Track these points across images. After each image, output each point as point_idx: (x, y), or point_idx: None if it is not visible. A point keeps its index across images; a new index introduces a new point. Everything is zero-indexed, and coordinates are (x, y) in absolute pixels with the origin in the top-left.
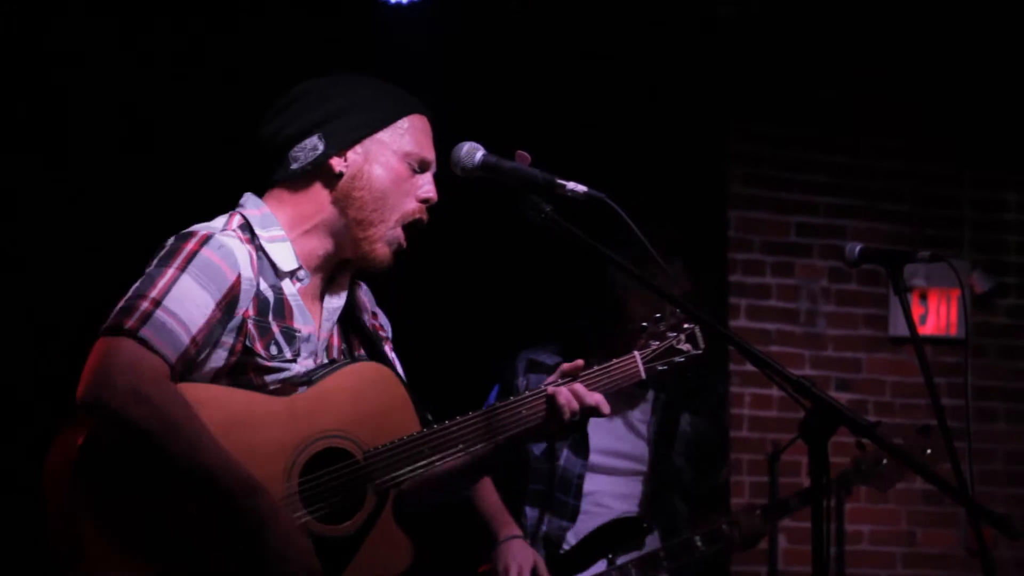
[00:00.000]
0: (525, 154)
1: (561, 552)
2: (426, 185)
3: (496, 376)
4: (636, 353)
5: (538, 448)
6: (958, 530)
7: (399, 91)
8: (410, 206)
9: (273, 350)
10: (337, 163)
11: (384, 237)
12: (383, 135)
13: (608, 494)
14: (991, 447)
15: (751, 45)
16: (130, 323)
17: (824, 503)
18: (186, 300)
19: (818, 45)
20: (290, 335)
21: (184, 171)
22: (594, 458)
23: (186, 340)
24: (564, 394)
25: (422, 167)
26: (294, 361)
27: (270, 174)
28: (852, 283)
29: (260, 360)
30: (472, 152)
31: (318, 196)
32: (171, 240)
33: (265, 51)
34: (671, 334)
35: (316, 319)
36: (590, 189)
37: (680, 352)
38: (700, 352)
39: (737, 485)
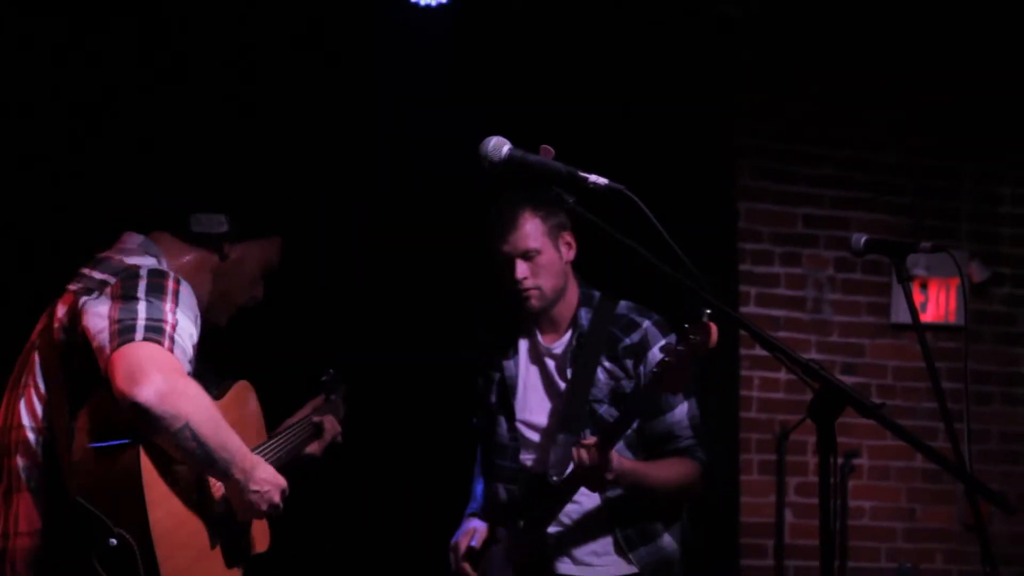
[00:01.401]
0: (549, 148)
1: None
2: (260, 288)
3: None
4: (321, 396)
5: (503, 428)
6: (955, 506)
7: (290, 206)
8: (255, 295)
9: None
10: (230, 248)
11: (229, 311)
12: (264, 243)
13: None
14: (987, 428)
15: (758, 44)
16: (165, 343)
17: (831, 480)
18: (187, 332)
19: (822, 44)
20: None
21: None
22: (521, 419)
23: (188, 366)
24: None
25: (268, 274)
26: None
27: (158, 217)
28: (856, 272)
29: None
30: (499, 147)
31: (203, 260)
32: (144, 271)
33: (296, 56)
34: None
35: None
36: (611, 182)
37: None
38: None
39: (747, 463)
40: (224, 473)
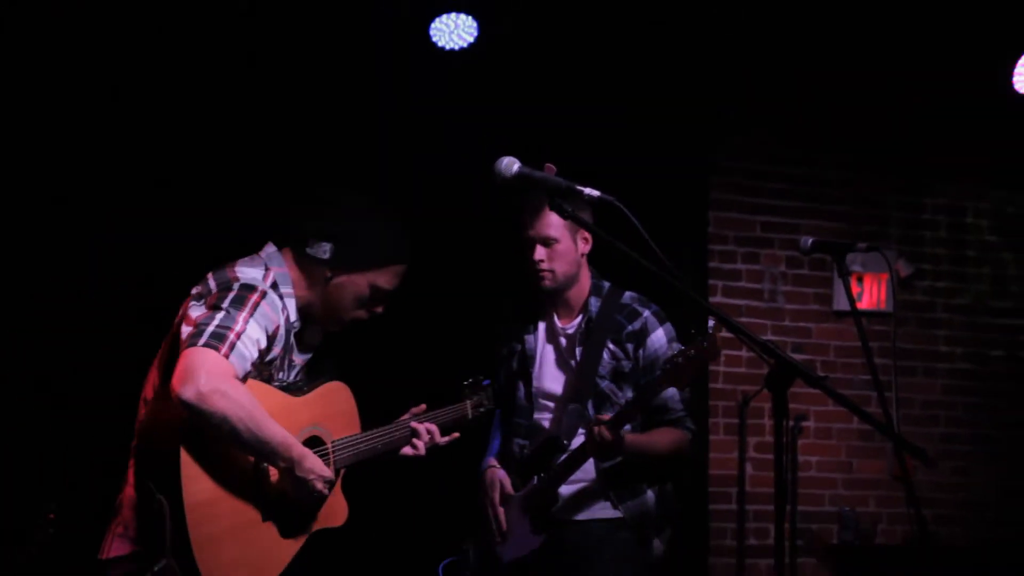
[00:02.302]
0: (552, 166)
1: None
2: (379, 307)
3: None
4: (467, 402)
5: (521, 392)
6: (885, 460)
7: (399, 238)
8: (359, 315)
9: (282, 376)
10: (332, 273)
11: (339, 323)
12: (369, 273)
13: (548, 416)
14: (911, 396)
15: (724, 83)
16: (223, 349)
17: (783, 439)
18: (252, 340)
19: (774, 87)
20: (291, 365)
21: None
22: (537, 386)
23: (249, 367)
24: (420, 427)
25: (381, 295)
26: (287, 379)
27: (289, 229)
28: (804, 268)
29: (276, 375)
30: (510, 165)
31: (313, 277)
32: (237, 285)
33: (335, 93)
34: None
35: (302, 360)
36: (602, 194)
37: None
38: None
39: (714, 425)
40: (270, 460)
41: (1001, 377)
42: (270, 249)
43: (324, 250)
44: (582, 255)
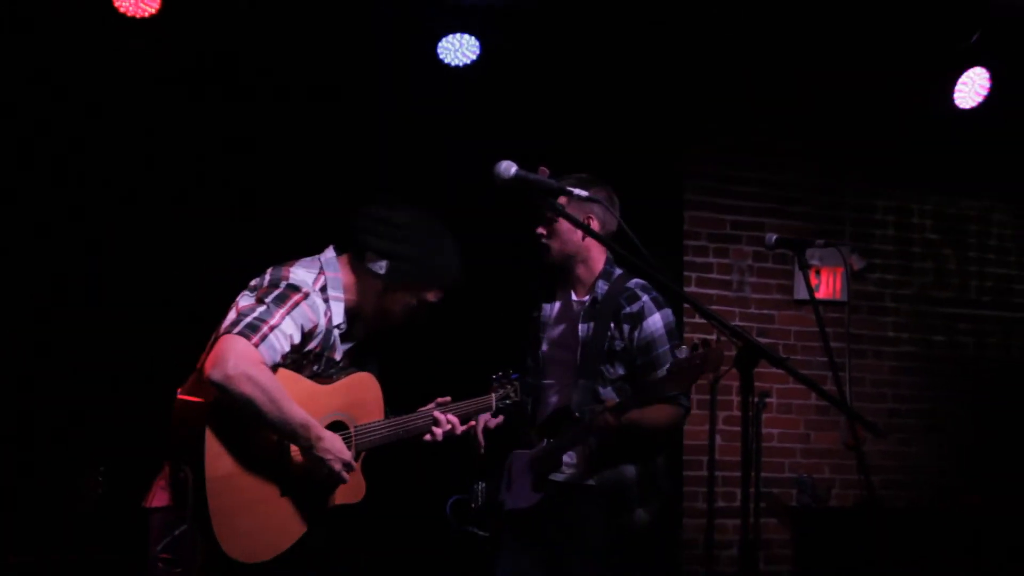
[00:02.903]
0: (545, 169)
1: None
2: (421, 314)
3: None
4: (492, 395)
5: (534, 355)
6: (838, 432)
7: (452, 261)
8: (401, 322)
9: (316, 368)
10: (384, 286)
11: (383, 328)
12: (420, 291)
13: (555, 388)
14: (862, 376)
15: (696, 98)
16: (255, 339)
17: (749, 413)
18: (284, 335)
19: (737, 99)
20: (331, 361)
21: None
22: (545, 351)
23: (279, 358)
24: (441, 416)
25: (429, 306)
26: (321, 371)
27: (350, 239)
28: (768, 262)
29: (309, 368)
30: (508, 168)
31: (366, 285)
32: (284, 284)
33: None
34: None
35: (342, 351)
36: (589, 194)
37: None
38: (518, 400)
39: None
40: (292, 439)
41: (941, 360)
42: (329, 254)
43: (381, 267)
44: (584, 238)
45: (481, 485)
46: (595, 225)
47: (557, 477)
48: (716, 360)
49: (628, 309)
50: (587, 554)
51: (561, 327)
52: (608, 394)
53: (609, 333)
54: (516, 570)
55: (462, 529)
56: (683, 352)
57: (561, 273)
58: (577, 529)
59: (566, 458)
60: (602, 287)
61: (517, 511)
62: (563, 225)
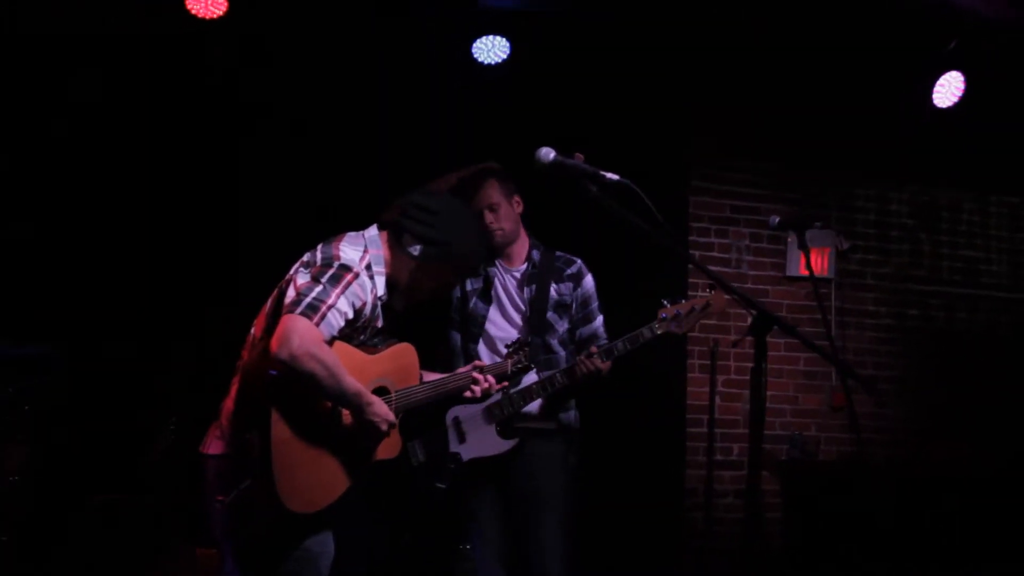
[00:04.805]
0: (580, 155)
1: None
2: (447, 291)
3: None
4: (508, 360)
5: (478, 305)
6: (823, 395)
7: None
8: (428, 297)
9: (363, 337)
10: (417, 264)
11: (414, 300)
12: (446, 272)
13: (501, 338)
14: (845, 344)
15: (701, 100)
16: (315, 319)
17: (761, 378)
18: (340, 313)
19: (740, 96)
20: (375, 329)
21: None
22: (493, 307)
23: (335, 332)
24: (480, 376)
25: (451, 284)
26: (367, 339)
27: (392, 221)
28: (764, 243)
29: (357, 337)
30: (547, 153)
31: (401, 263)
32: (336, 264)
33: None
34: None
35: (384, 319)
36: (620, 178)
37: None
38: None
39: (691, 366)
40: (346, 406)
41: (916, 331)
42: (372, 232)
43: (416, 248)
44: (519, 215)
45: (415, 444)
46: (520, 207)
47: (526, 424)
48: (720, 304)
49: (569, 271)
50: (555, 492)
51: (505, 290)
52: (556, 346)
53: (553, 290)
54: (492, 513)
55: (424, 486)
56: (682, 304)
57: (498, 251)
58: (547, 470)
59: (531, 406)
60: (536, 255)
61: (482, 459)
62: (505, 208)
